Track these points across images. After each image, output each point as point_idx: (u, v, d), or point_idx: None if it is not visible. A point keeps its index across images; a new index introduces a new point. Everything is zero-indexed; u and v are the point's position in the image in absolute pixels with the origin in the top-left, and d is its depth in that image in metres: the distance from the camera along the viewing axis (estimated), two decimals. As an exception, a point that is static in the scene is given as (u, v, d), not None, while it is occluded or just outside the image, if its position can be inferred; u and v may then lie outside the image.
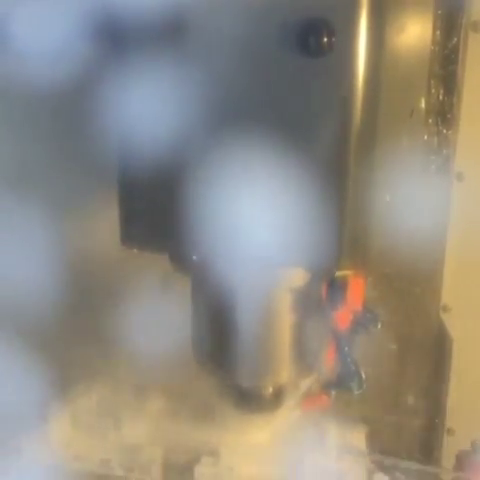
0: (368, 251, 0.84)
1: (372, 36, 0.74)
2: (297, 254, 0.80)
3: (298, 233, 0.78)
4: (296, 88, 0.75)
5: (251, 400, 0.94)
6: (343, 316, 0.95)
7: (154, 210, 0.83)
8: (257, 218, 0.79)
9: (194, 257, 0.84)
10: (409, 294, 1.15)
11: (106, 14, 0.79)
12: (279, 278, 0.87)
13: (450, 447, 1.18)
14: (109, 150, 0.83)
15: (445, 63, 1.03)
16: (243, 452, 1.05)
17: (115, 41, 0.78)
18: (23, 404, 1.05)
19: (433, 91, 1.02)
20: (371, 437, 1.15)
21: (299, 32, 0.72)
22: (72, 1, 0.88)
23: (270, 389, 0.94)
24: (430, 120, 1.04)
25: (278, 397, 0.95)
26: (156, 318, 1.05)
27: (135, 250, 0.87)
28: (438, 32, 0.99)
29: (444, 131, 1.06)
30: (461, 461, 1.09)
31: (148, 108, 0.77)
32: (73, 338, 1.16)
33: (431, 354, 1.18)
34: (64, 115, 1.05)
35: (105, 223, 0.95)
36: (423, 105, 0.89)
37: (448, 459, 1.16)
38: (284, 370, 0.93)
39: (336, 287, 0.91)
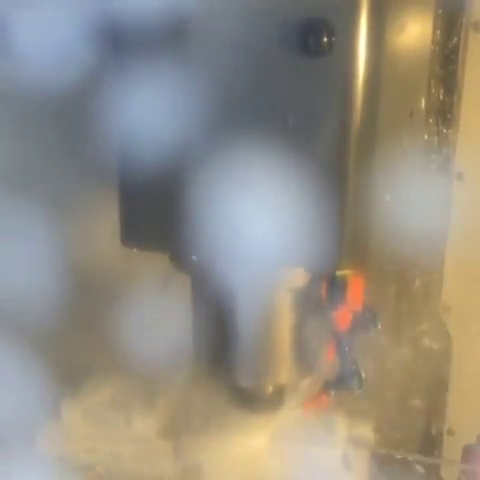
0: (368, 251, 0.84)
1: (372, 36, 0.74)
2: (297, 254, 0.80)
3: (298, 233, 0.78)
4: (296, 88, 0.75)
5: (251, 400, 0.95)
6: (343, 316, 0.95)
7: (154, 210, 0.83)
8: (257, 218, 0.79)
9: (194, 257, 0.84)
10: (409, 294, 1.15)
11: (107, 17, 0.79)
12: (279, 278, 0.87)
13: (450, 447, 1.18)
14: (110, 151, 0.83)
15: (445, 63, 1.02)
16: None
17: (116, 44, 0.78)
18: (32, 401, 1.05)
19: (433, 91, 1.02)
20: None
21: (299, 32, 0.72)
22: (73, 4, 0.88)
23: (270, 389, 0.94)
24: (430, 120, 1.04)
25: (278, 397, 0.95)
26: (156, 318, 1.05)
27: (135, 250, 0.88)
28: (438, 32, 0.99)
29: (444, 131, 1.06)
30: (467, 454, 1.10)
31: (149, 109, 0.77)
32: (73, 338, 1.16)
33: (431, 354, 1.18)
34: (65, 116, 1.04)
35: (105, 223, 0.95)
36: (423, 105, 0.89)
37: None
38: (284, 370, 0.93)
39: (336, 287, 0.91)
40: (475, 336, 1.14)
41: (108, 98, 0.79)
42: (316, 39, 0.72)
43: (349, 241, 0.80)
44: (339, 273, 0.89)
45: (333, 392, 1.01)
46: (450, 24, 1.01)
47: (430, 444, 1.22)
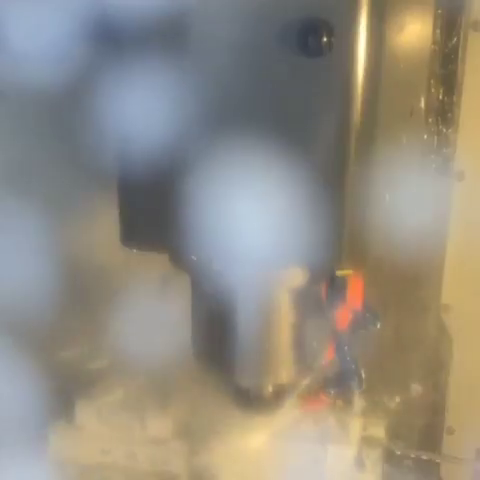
0: (368, 251, 0.84)
1: (372, 36, 0.73)
2: (297, 254, 0.80)
3: (297, 233, 0.78)
4: (295, 88, 0.75)
5: (251, 400, 0.95)
6: (343, 316, 0.95)
7: (154, 210, 0.83)
8: (257, 218, 0.79)
9: (193, 257, 0.84)
10: (409, 294, 1.15)
11: (104, 16, 0.79)
12: (279, 278, 0.87)
13: (450, 446, 1.18)
14: (109, 150, 0.83)
15: (445, 62, 1.02)
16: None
17: (114, 42, 0.78)
18: (40, 402, 1.05)
19: (433, 91, 1.02)
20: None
21: (299, 32, 0.72)
22: (70, 3, 0.88)
23: (270, 389, 0.94)
24: (430, 119, 1.04)
25: (278, 397, 0.95)
26: (156, 318, 1.05)
27: (135, 250, 0.87)
28: (438, 31, 0.99)
29: (444, 130, 1.06)
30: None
31: (148, 108, 0.77)
32: (73, 338, 1.16)
33: (431, 354, 1.18)
34: (64, 116, 1.04)
35: (105, 223, 0.95)
36: (423, 105, 0.89)
37: (448, 458, 1.17)
38: (284, 370, 0.93)
39: (336, 287, 0.91)
40: (475, 336, 1.14)
41: (107, 98, 0.79)
42: (316, 39, 0.72)
43: (348, 240, 0.80)
44: (339, 273, 0.89)
45: (333, 392, 1.01)
46: (450, 24, 1.01)
47: (430, 443, 1.22)
